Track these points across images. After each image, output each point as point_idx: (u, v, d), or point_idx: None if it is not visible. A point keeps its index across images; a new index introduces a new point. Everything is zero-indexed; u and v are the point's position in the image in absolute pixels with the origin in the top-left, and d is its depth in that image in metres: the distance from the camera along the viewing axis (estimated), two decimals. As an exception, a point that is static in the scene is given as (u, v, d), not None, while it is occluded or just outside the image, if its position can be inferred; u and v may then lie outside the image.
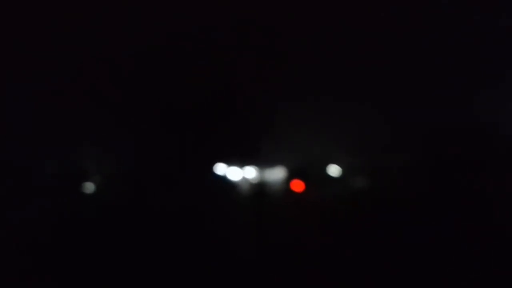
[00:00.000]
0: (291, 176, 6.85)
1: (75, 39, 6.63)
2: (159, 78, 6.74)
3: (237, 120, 6.60)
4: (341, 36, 6.46)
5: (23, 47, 6.58)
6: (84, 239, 6.21)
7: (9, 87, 6.50)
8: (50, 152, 6.67)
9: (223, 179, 6.73)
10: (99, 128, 6.72)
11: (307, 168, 6.81)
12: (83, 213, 6.58)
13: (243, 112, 6.59)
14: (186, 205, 6.43)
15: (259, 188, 6.77)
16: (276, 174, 6.86)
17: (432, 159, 6.49)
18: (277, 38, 6.51)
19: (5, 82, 6.44)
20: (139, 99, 6.72)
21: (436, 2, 6.34)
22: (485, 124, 6.46)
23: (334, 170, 6.74)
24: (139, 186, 6.70)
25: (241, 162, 6.69)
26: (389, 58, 6.47)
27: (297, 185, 6.86)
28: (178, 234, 6.18)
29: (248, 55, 6.60)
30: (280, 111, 6.48)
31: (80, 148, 6.74)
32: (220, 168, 6.69)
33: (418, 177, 6.38)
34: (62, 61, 6.62)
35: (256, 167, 6.74)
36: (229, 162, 6.70)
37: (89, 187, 6.80)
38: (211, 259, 5.94)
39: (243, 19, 6.49)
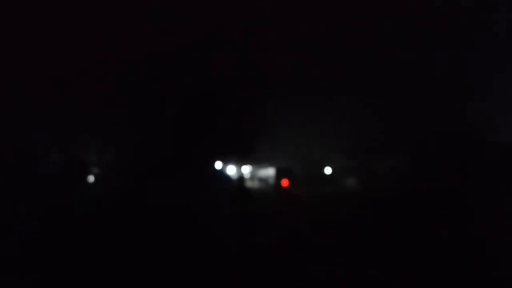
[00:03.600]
0: (282, 174, 7.15)
1: (80, 36, 6.93)
2: (161, 78, 7.00)
3: (237, 122, 6.85)
4: (336, 39, 6.56)
5: (31, 43, 6.90)
6: (85, 228, 6.41)
7: (13, 83, 6.86)
8: (54, 143, 7.01)
9: (221, 175, 6.98)
10: (102, 123, 7.01)
11: (297, 168, 7.08)
12: (84, 202, 6.84)
13: (242, 114, 6.83)
14: (184, 198, 6.65)
15: (252, 184, 7.05)
16: (269, 172, 7.14)
17: (423, 162, 6.53)
18: (273, 42, 6.69)
19: (10, 78, 6.79)
20: (144, 97, 6.99)
21: (436, 8, 6.35)
22: (478, 130, 6.48)
23: (327, 170, 6.98)
24: (138, 179, 6.95)
25: (238, 161, 6.96)
26: (384, 61, 6.51)
27: (286, 182, 7.19)
28: (174, 225, 6.37)
29: (246, 59, 6.81)
30: (276, 114, 6.69)
31: (84, 141, 7.06)
32: (219, 166, 6.95)
33: (407, 179, 6.46)
34: (66, 57, 6.92)
35: (252, 166, 7.05)
36: (228, 160, 6.96)
37: (90, 178, 7.10)
38: (206, 248, 6.05)
39: (239, 22, 6.69)
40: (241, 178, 6.86)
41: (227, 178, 7.01)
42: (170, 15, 6.78)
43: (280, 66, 6.65)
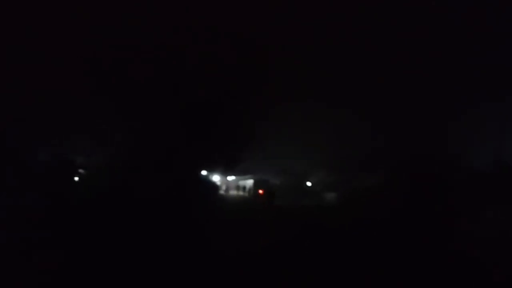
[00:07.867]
0: (260, 185, 8.03)
1: (75, 34, 6.80)
2: (154, 84, 7.18)
3: (224, 135, 7.38)
4: (326, 56, 7.09)
5: (22, 43, 6.58)
6: (70, 225, 6.47)
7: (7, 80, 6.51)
8: (44, 142, 6.83)
9: (204, 182, 7.53)
10: (91, 125, 7.02)
11: (278, 180, 7.98)
12: (70, 201, 6.87)
13: (229, 128, 7.36)
14: (167, 199, 7.02)
15: (235, 192, 7.80)
16: (249, 182, 7.97)
17: (402, 182, 6.73)
18: (262, 55, 7.13)
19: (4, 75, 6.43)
20: (135, 102, 7.12)
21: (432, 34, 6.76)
22: (459, 152, 6.64)
23: (307, 183, 7.95)
24: (124, 179, 7.15)
25: (223, 171, 7.58)
26: (372, 79, 7.03)
27: (262, 192, 8.07)
28: (156, 221, 6.66)
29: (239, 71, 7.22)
30: (262, 129, 7.33)
31: (74, 139, 7.01)
32: (204, 173, 7.47)
33: (385, 197, 6.73)
34: (57, 56, 6.76)
35: (235, 176, 7.76)
36: (214, 169, 7.51)
37: (77, 178, 7.10)
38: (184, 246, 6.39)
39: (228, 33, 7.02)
40: (214, 185, 7.50)
41: (209, 184, 7.60)
42: (160, 21, 6.90)
43: (266, 82, 7.16)
